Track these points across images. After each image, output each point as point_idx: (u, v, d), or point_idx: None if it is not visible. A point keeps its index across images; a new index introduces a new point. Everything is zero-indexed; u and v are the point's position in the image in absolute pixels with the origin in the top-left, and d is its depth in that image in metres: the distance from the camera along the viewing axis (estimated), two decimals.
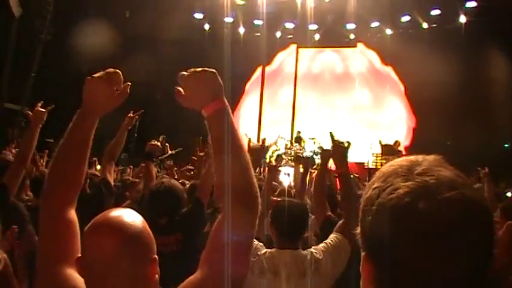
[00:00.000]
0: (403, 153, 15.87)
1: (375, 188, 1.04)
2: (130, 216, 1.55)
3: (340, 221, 3.21)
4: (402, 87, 20.20)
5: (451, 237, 0.95)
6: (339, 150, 3.37)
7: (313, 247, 3.10)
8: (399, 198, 0.98)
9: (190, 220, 3.78)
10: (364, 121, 19.53)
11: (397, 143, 16.26)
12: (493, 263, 1.02)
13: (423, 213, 0.95)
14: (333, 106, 20.77)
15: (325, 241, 3.12)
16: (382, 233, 1.00)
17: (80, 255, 1.53)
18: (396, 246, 0.98)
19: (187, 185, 5.08)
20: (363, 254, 1.07)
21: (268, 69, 21.36)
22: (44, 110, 4.00)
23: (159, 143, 4.91)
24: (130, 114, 4.48)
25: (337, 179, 4.30)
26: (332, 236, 3.13)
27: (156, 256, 1.55)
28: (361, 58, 21.22)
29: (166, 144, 14.51)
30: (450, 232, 0.95)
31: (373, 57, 20.99)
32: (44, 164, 7.12)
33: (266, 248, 3.09)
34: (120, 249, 1.47)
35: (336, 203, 4.50)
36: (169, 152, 15.92)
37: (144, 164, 5.04)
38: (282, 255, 3.00)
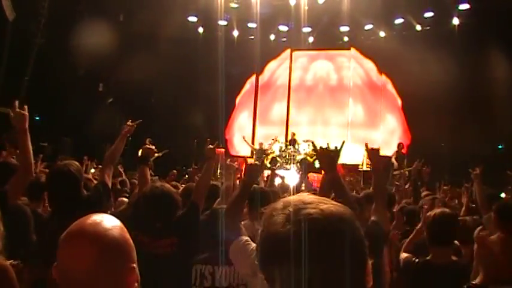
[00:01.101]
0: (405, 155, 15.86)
1: (260, 233, 1.23)
2: (107, 223, 1.52)
3: None
4: (399, 101, 20.11)
5: (315, 247, 1.10)
6: (325, 155, 3.39)
7: None
8: (273, 229, 1.16)
9: (185, 223, 3.81)
10: (357, 138, 19.44)
11: (400, 145, 16.23)
12: (362, 264, 1.19)
13: (288, 235, 1.12)
14: (326, 123, 20.63)
15: None
16: (266, 262, 1.20)
17: (56, 263, 1.48)
18: (278, 270, 1.15)
19: (181, 188, 5.11)
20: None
21: (259, 81, 21.41)
22: (24, 112, 3.88)
23: (153, 147, 4.93)
24: (129, 123, 4.50)
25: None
26: None
27: (134, 265, 1.52)
28: (357, 69, 21.12)
29: (153, 146, 14.53)
30: (314, 242, 1.10)
31: (370, 67, 20.89)
32: (39, 168, 7.07)
33: None
34: (97, 258, 1.44)
35: None
36: (156, 154, 15.92)
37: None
38: None
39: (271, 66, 22.17)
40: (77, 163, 3.95)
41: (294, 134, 18.75)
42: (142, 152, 4.67)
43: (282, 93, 21.66)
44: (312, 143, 3.68)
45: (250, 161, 3.51)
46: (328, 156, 3.37)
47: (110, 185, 4.12)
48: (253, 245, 3.10)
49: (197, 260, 3.54)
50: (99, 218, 1.54)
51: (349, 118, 20.42)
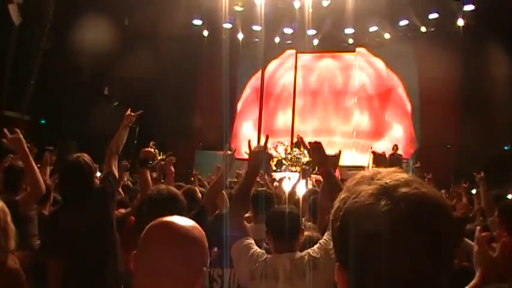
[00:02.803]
0: (402, 155, 15.98)
1: (342, 198, 1.11)
2: (191, 222, 1.61)
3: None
4: (409, 106, 19.95)
5: (409, 231, 1.00)
6: (315, 150, 3.36)
7: (310, 248, 3.12)
8: (362, 200, 1.05)
9: None
10: (362, 148, 19.26)
11: (395, 147, 16.36)
12: (453, 257, 1.09)
13: (383, 211, 1.01)
14: (331, 132, 20.36)
15: (320, 240, 3.16)
16: (348, 235, 1.06)
17: (136, 251, 1.55)
18: (362, 247, 1.03)
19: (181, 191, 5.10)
20: (336, 265, 1.12)
21: (258, 83, 21.25)
22: (18, 136, 3.96)
23: (152, 150, 4.96)
24: (129, 112, 4.55)
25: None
26: (326, 234, 3.15)
27: (205, 268, 1.57)
28: (367, 69, 20.94)
29: (156, 150, 14.69)
30: (408, 226, 1.00)
31: (380, 67, 20.67)
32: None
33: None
34: (179, 249, 1.51)
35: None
36: (159, 157, 16.01)
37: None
38: (280, 259, 3.04)
39: (271, 67, 21.93)
40: (88, 156, 4.01)
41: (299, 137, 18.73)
42: (141, 155, 4.69)
43: (285, 100, 21.50)
44: (301, 138, 3.62)
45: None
46: (318, 150, 3.34)
47: (117, 175, 4.15)
48: (255, 248, 3.08)
49: None
50: (181, 217, 1.63)
51: (354, 128, 20.32)
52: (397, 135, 19.62)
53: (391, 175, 1.09)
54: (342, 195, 1.12)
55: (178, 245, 1.51)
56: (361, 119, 20.42)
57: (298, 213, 3.42)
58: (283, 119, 21.51)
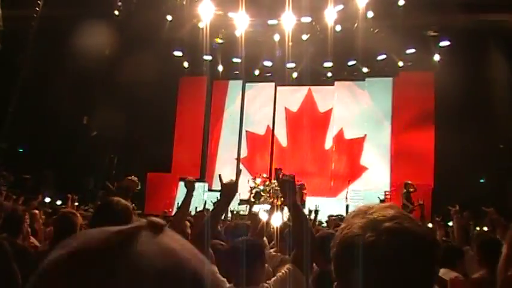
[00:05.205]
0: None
1: (340, 228, 1.30)
2: None
3: (293, 251, 3.25)
4: (388, 148, 19.79)
5: (389, 262, 1.17)
6: (285, 183, 3.40)
7: (267, 281, 3.15)
8: (353, 232, 1.23)
9: None
10: (337, 187, 19.22)
11: (407, 185, 16.27)
12: None
13: (367, 242, 1.18)
14: (309, 175, 19.80)
15: (278, 274, 3.19)
16: (340, 261, 1.26)
17: None
18: (349, 271, 1.20)
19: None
20: (334, 284, 1.29)
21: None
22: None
23: (136, 179, 4.91)
24: (189, 178, 4.34)
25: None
26: (285, 267, 3.19)
27: None
28: (350, 105, 20.76)
29: (135, 179, 14.57)
30: (389, 257, 1.17)
31: (364, 105, 20.64)
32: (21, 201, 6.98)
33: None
34: None
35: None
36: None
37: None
38: None
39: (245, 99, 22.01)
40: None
41: (277, 169, 18.61)
42: (126, 183, 4.63)
43: (263, 139, 21.66)
44: (275, 170, 3.70)
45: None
46: (288, 184, 3.36)
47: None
48: (218, 276, 3.07)
49: None
50: None
51: (334, 160, 20.38)
52: (373, 179, 19.53)
53: (381, 210, 1.25)
54: (342, 225, 1.30)
55: None
56: (339, 164, 20.37)
57: (261, 244, 3.44)
58: (260, 160, 21.46)
